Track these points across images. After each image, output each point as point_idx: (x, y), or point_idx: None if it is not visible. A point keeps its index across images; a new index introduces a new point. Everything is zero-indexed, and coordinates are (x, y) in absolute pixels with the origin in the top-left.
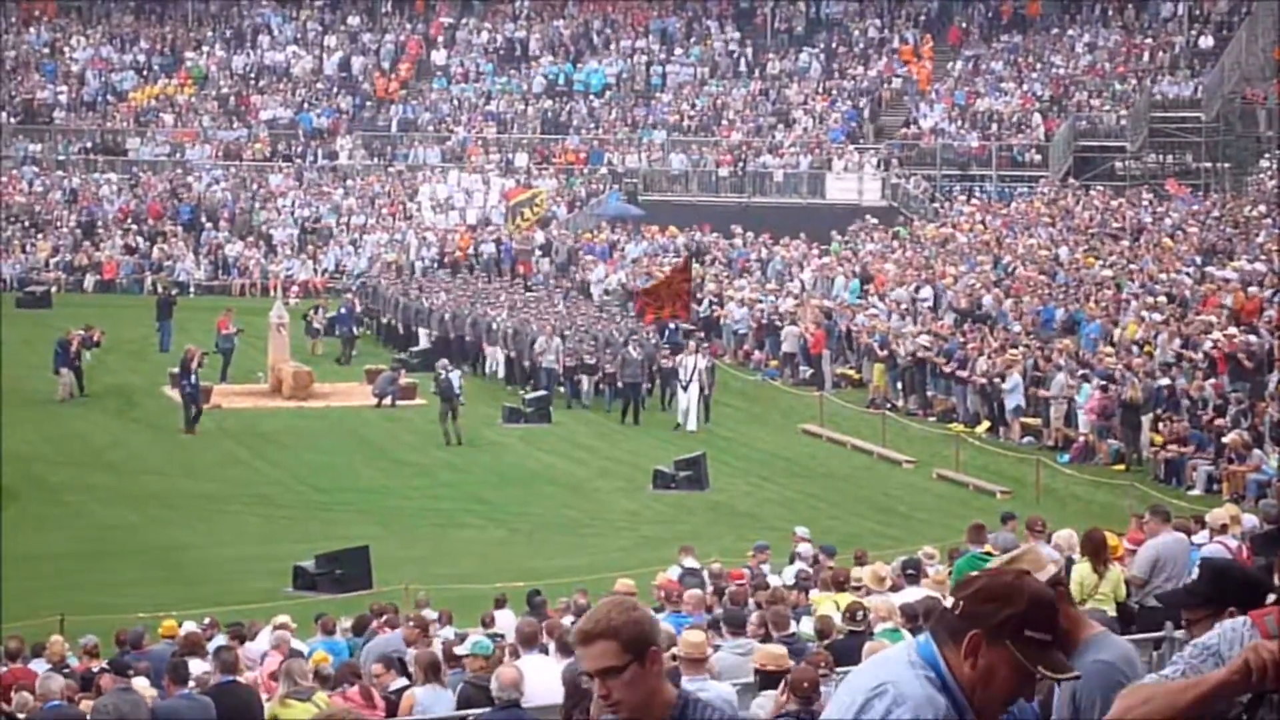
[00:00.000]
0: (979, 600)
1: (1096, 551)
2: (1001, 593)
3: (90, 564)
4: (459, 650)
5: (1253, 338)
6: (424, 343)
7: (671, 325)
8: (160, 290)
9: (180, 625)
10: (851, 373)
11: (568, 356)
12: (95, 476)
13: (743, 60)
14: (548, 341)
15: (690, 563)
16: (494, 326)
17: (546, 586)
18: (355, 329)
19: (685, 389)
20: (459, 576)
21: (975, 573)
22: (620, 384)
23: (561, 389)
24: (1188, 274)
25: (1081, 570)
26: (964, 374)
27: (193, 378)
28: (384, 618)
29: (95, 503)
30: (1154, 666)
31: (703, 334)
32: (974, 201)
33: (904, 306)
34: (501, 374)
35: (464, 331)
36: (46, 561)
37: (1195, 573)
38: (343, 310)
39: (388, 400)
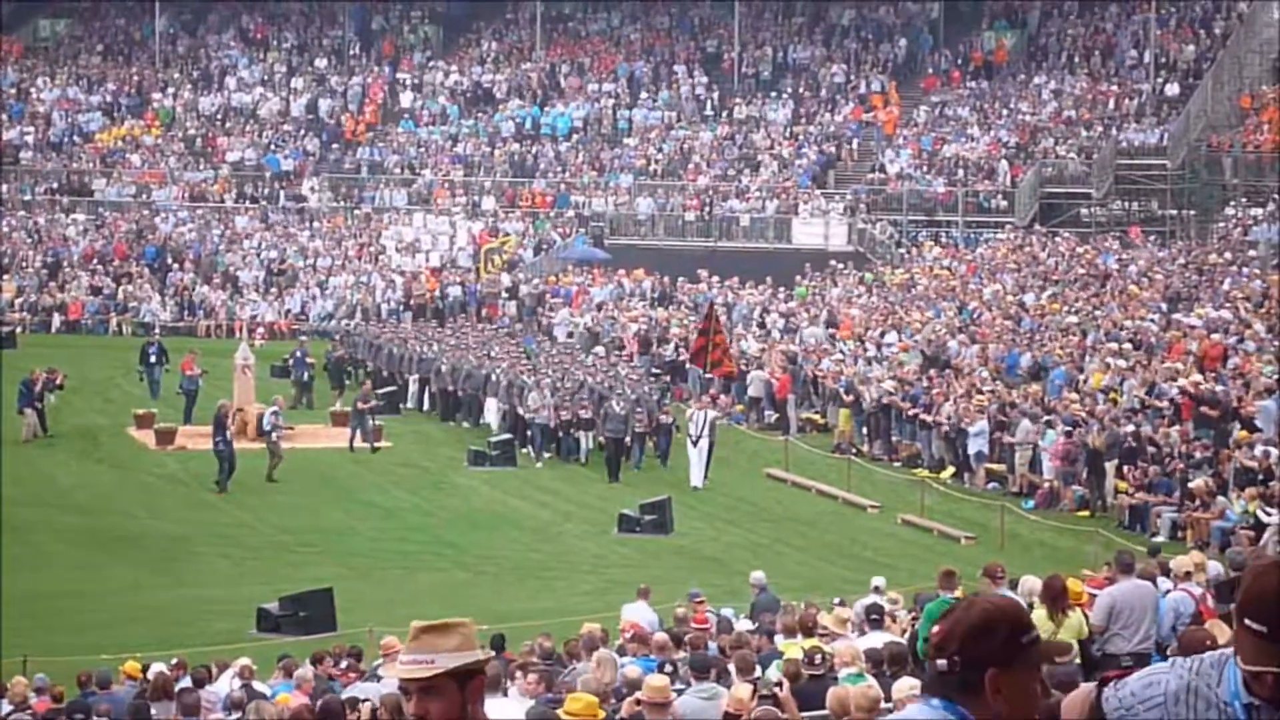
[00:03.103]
0: (970, 642)
1: (1055, 599)
2: (982, 623)
3: (55, 604)
4: None
5: (1218, 385)
6: (412, 391)
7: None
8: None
9: (143, 668)
10: (816, 417)
11: (563, 411)
12: (61, 517)
13: (710, 105)
14: (540, 395)
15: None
16: (493, 378)
17: (511, 630)
18: (309, 374)
19: (695, 444)
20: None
21: (933, 630)
22: (603, 438)
23: (554, 445)
24: (1153, 320)
25: (1038, 616)
26: (929, 419)
27: (226, 434)
28: (344, 663)
29: (61, 543)
30: None
31: (669, 379)
32: (940, 247)
33: (870, 352)
34: (496, 426)
35: (460, 384)
36: (11, 603)
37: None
38: (298, 354)
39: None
